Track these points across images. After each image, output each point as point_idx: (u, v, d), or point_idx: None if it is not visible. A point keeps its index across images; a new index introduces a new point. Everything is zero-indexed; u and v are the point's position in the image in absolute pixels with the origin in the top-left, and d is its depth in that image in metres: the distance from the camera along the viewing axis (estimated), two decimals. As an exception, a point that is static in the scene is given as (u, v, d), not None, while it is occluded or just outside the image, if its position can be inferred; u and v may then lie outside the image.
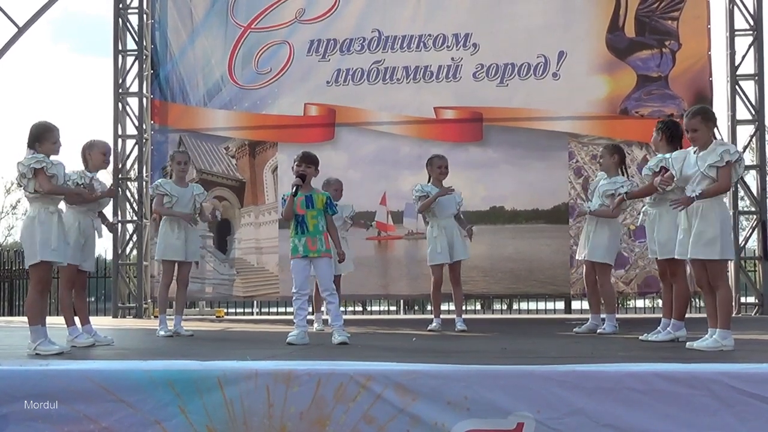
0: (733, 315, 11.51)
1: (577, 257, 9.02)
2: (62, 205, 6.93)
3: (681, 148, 6.78)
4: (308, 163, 7.32)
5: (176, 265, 8.57)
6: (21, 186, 6.69)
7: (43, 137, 6.49)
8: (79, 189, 7.09)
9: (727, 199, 11.90)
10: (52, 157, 6.52)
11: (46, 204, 6.48)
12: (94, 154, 7.45)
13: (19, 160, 6.45)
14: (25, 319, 6.58)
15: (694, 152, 6.33)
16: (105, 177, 8.48)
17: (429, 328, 8.87)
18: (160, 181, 8.84)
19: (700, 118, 6.34)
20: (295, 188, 7.18)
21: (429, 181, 9.01)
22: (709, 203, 6.22)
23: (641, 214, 7.59)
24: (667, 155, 6.90)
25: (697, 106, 6.78)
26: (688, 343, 6.42)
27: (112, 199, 8.28)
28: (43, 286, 6.56)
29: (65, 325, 7.32)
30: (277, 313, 14.93)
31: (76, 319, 7.40)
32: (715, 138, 6.42)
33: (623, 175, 8.32)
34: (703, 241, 6.20)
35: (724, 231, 6.22)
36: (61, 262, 6.72)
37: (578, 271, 11.49)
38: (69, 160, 6.84)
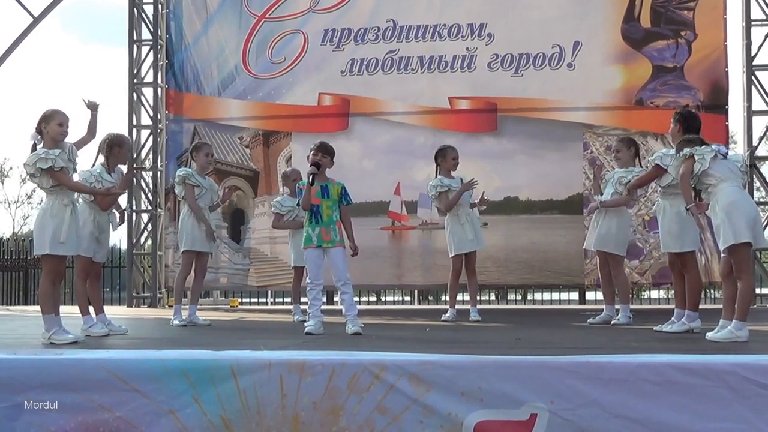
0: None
1: (584, 247, 9.10)
2: (78, 197, 6.91)
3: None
4: (324, 152, 7.30)
5: (196, 255, 8.58)
6: (35, 184, 6.70)
7: (50, 118, 6.46)
8: (97, 189, 7.08)
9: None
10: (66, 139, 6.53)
11: (60, 196, 6.47)
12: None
13: (24, 161, 6.46)
14: (39, 308, 6.60)
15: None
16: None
17: (443, 318, 8.87)
18: (189, 171, 8.61)
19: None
20: (311, 177, 7.16)
21: (438, 173, 8.98)
22: (715, 195, 6.25)
23: (655, 204, 7.56)
24: (671, 151, 6.92)
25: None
26: (707, 334, 6.39)
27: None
28: (55, 276, 6.57)
29: (80, 315, 7.35)
30: (291, 303, 14.90)
31: (91, 309, 7.43)
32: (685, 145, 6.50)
33: (639, 166, 8.30)
34: (718, 232, 6.26)
35: (728, 218, 6.18)
36: (70, 255, 6.70)
37: (592, 261, 11.45)
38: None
